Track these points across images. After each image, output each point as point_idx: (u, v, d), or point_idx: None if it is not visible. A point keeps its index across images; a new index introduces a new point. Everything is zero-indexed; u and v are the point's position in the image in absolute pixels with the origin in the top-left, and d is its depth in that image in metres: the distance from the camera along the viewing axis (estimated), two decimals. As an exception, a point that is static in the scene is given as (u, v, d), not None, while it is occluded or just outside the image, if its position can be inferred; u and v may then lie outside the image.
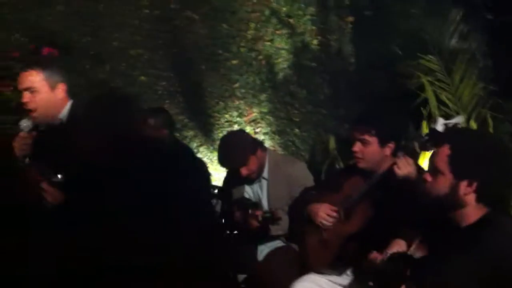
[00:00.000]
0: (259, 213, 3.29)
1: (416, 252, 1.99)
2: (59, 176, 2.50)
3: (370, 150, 2.89)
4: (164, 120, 3.96)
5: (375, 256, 1.97)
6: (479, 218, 1.94)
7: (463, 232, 1.92)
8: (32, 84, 2.77)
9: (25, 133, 2.83)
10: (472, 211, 1.95)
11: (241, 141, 3.45)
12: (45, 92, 2.77)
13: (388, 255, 1.94)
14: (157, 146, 2.72)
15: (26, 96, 2.77)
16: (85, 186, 2.36)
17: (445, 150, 1.98)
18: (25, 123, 2.83)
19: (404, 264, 1.84)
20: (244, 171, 3.40)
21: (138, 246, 2.21)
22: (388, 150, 2.89)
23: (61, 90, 2.81)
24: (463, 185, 1.93)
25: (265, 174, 3.50)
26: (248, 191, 3.58)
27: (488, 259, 1.22)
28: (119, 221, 2.20)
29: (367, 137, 2.88)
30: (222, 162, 3.52)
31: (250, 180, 3.51)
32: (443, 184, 1.97)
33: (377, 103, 4.78)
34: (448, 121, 2.58)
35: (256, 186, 3.55)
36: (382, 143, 2.88)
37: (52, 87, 2.79)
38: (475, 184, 1.91)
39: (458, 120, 2.57)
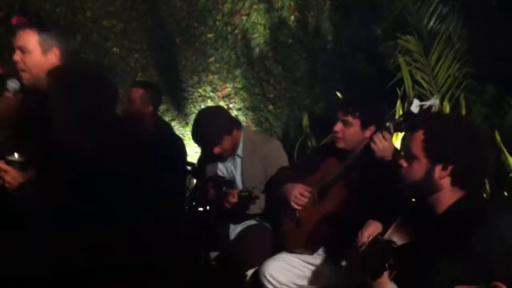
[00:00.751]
0: (235, 191, 3.26)
1: (393, 235, 1.99)
2: (16, 155, 2.26)
3: (351, 131, 2.89)
4: (153, 96, 3.86)
5: (370, 232, 1.96)
6: (453, 202, 1.95)
7: (438, 219, 1.93)
8: (25, 44, 2.63)
9: (10, 93, 2.70)
10: (448, 194, 1.96)
11: (217, 120, 3.38)
12: (36, 55, 2.64)
13: (370, 239, 1.92)
14: (137, 127, 2.60)
15: (17, 55, 2.63)
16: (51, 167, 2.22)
17: (420, 135, 2.01)
18: (11, 83, 2.70)
19: (386, 250, 1.83)
20: (217, 149, 3.36)
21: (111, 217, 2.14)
22: (368, 133, 2.88)
23: (54, 55, 2.67)
24: (438, 169, 1.95)
25: (240, 152, 3.46)
26: (222, 169, 3.54)
27: (463, 245, 1.20)
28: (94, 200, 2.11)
29: (350, 118, 2.88)
30: (195, 138, 3.47)
31: (223, 157, 3.47)
32: (418, 168, 1.99)
33: (354, 83, 4.77)
34: (423, 103, 2.56)
35: (230, 163, 3.51)
36: (364, 126, 2.88)
37: (45, 51, 2.65)
38: (449, 168, 1.92)
39: (433, 102, 2.55)
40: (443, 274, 1.21)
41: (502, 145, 3.81)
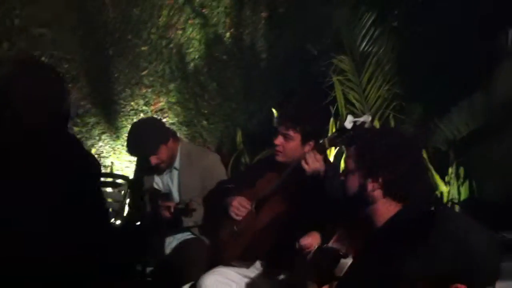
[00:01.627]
0: (171, 204, 3.20)
1: (336, 246, 2.01)
2: None
3: (291, 145, 2.89)
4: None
5: (305, 244, 1.96)
6: (393, 214, 1.99)
7: (380, 231, 1.96)
8: None
9: None
10: (383, 206, 1.99)
11: (153, 129, 3.33)
12: None
13: (316, 248, 1.93)
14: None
15: None
16: None
17: (352, 149, 2.07)
18: None
19: (334, 258, 1.85)
20: (153, 160, 3.28)
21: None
22: (308, 148, 2.90)
23: None
24: (369, 182, 1.98)
25: (177, 164, 3.41)
26: (158, 182, 3.47)
27: (409, 253, 1.22)
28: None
29: (291, 132, 2.88)
30: (131, 149, 3.39)
31: (160, 169, 3.41)
32: (353, 182, 2.04)
33: (288, 100, 4.82)
34: (356, 119, 2.63)
35: (166, 176, 3.45)
36: (304, 140, 2.89)
37: None
38: (380, 180, 1.96)
39: (365, 118, 2.62)
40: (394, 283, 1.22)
41: (428, 163, 3.98)
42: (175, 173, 3.43)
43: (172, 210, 3.19)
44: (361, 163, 2.02)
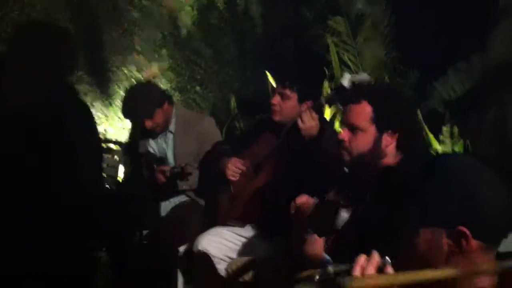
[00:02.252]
0: (167, 168, 3.18)
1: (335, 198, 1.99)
2: None
3: (288, 104, 2.89)
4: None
5: (303, 201, 1.95)
6: (397, 161, 2.01)
7: (381, 174, 1.97)
8: None
9: None
10: (390, 160, 2.03)
11: (148, 93, 3.34)
12: None
13: (317, 201, 1.91)
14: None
15: None
16: None
17: (364, 106, 2.04)
18: None
19: (334, 209, 1.83)
20: (149, 123, 3.26)
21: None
22: (304, 107, 2.88)
23: None
24: (385, 138, 1.99)
25: (172, 128, 3.38)
26: (153, 145, 3.44)
27: (413, 194, 1.19)
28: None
29: (288, 91, 2.88)
30: (126, 113, 3.39)
31: (155, 133, 3.37)
32: (365, 139, 2.03)
33: (284, 65, 4.78)
34: (355, 78, 2.58)
35: (161, 140, 3.41)
36: (301, 99, 2.88)
37: None
38: (396, 135, 1.99)
39: (365, 77, 2.58)
40: (400, 223, 1.19)
41: (423, 123, 3.95)
42: (170, 136, 3.39)
43: (167, 174, 3.16)
44: (378, 119, 2.02)
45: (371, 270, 1.18)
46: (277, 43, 5.12)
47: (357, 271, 1.19)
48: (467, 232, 1.13)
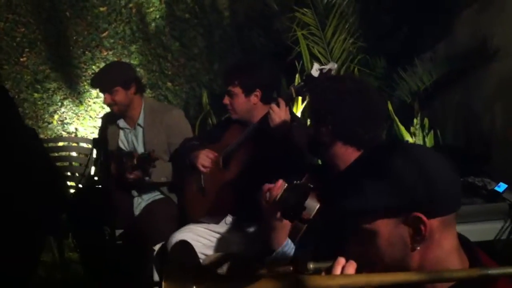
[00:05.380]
0: (135, 155, 3.17)
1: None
2: None
3: (236, 101, 2.92)
4: None
5: (271, 187, 1.95)
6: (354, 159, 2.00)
7: (346, 170, 1.97)
8: None
9: None
10: (339, 150, 2.05)
11: (118, 69, 3.38)
12: None
13: (286, 186, 1.93)
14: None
15: None
16: None
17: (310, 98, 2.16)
18: None
19: (304, 192, 1.85)
20: (107, 98, 3.29)
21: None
22: (254, 99, 2.90)
23: None
24: (322, 128, 2.05)
25: (141, 121, 3.38)
26: (123, 141, 3.43)
27: (374, 182, 1.22)
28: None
29: (231, 88, 2.91)
30: (92, 81, 3.53)
31: (124, 126, 3.40)
32: (311, 130, 2.12)
33: (251, 58, 4.77)
34: (322, 67, 2.60)
35: (130, 134, 3.41)
36: (247, 92, 2.90)
37: None
38: (330, 125, 2.03)
39: (331, 66, 2.59)
40: (360, 211, 1.22)
41: (394, 115, 3.99)
42: (140, 130, 3.39)
43: (135, 161, 3.13)
44: (313, 111, 2.13)
45: (350, 271, 1.22)
46: (244, 36, 5.10)
47: (337, 270, 1.23)
48: (422, 216, 1.17)
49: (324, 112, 2.03)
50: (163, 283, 1.07)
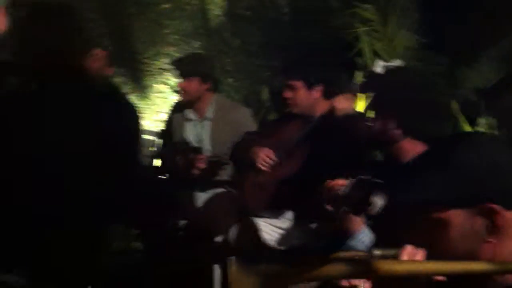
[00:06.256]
0: (204, 156, 3.22)
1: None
2: None
3: (298, 95, 2.93)
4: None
5: (336, 182, 1.96)
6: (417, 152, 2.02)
7: (410, 163, 1.98)
8: None
9: None
10: (407, 146, 2.07)
11: (201, 61, 3.48)
12: None
13: (352, 180, 1.93)
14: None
15: None
16: None
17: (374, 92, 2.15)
18: None
19: (369, 186, 1.85)
20: (181, 84, 3.37)
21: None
22: (316, 93, 2.91)
23: None
24: (389, 123, 2.07)
25: (209, 114, 3.43)
26: (190, 131, 3.48)
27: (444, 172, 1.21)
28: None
29: (293, 82, 2.91)
30: (175, 61, 3.56)
31: (188, 106, 3.45)
32: (377, 125, 2.12)
33: (311, 54, 4.76)
34: (387, 64, 2.58)
35: (198, 126, 3.46)
36: (309, 86, 2.90)
37: None
38: (396, 120, 2.05)
39: (398, 63, 2.58)
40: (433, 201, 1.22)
41: (458, 113, 3.92)
42: (207, 123, 3.44)
43: (204, 163, 3.19)
44: (380, 105, 2.11)
45: (419, 259, 1.22)
46: (304, 32, 5.10)
47: (404, 258, 1.23)
48: (497, 207, 1.15)
49: (391, 108, 2.04)
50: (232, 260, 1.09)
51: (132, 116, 2.50)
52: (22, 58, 2.03)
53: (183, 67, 3.40)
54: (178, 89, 3.43)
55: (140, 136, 3.45)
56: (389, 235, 1.82)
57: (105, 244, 2.23)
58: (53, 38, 1.98)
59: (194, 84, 3.35)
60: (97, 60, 3.39)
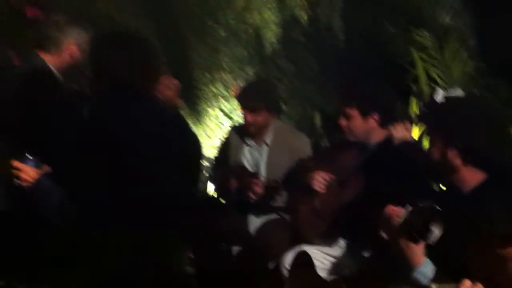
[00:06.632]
0: (261, 181, 3.23)
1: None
2: (28, 155, 2.21)
3: (353, 123, 2.93)
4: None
5: (394, 210, 1.94)
6: (479, 182, 2.02)
7: (469, 195, 1.97)
8: None
9: None
10: (467, 174, 2.06)
11: (268, 92, 3.43)
12: None
13: (411, 208, 1.91)
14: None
15: None
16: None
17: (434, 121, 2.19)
18: None
19: (430, 213, 1.83)
20: (250, 116, 3.31)
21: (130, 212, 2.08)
22: (372, 121, 2.90)
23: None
24: (450, 151, 2.07)
25: (268, 140, 3.43)
26: (247, 156, 3.49)
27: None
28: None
29: (348, 110, 2.91)
30: (241, 93, 3.45)
31: (249, 141, 3.45)
32: (436, 154, 2.12)
33: (369, 79, 4.74)
34: (446, 93, 2.54)
35: (256, 151, 3.47)
36: (364, 114, 2.90)
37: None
38: (458, 151, 2.05)
39: (458, 92, 2.54)
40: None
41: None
42: (265, 149, 3.44)
43: (260, 189, 3.20)
44: (439, 134, 2.11)
45: None
46: (359, 58, 5.09)
47: None
48: None
49: (452, 137, 2.04)
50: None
51: (196, 142, 2.61)
52: (98, 83, 2.17)
53: (250, 101, 3.34)
54: (246, 122, 3.37)
55: (202, 163, 3.55)
56: (447, 265, 1.79)
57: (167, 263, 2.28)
58: (126, 66, 2.11)
59: (262, 116, 3.33)
60: (170, 89, 3.49)
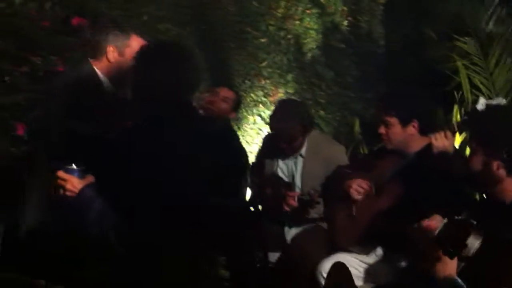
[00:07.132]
0: (296, 194, 3.24)
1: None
2: (73, 165, 2.21)
3: (393, 131, 2.90)
4: (237, 101, 3.78)
5: (430, 222, 1.92)
6: None
7: (508, 209, 1.93)
8: None
9: None
10: (509, 186, 2.04)
11: (301, 109, 3.43)
12: None
13: (446, 220, 1.88)
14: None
15: None
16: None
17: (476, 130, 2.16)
18: None
19: (465, 228, 1.80)
20: (286, 137, 3.31)
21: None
22: (412, 129, 2.87)
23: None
24: (492, 162, 2.03)
25: (303, 151, 3.42)
26: (282, 167, 3.50)
27: None
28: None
29: (388, 118, 2.89)
30: (275, 117, 3.44)
31: (284, 155, 3.44)
32: (477, 162, 2.09)
33: (408, 87, 4.69)
34: (489, 101, 2.50)
35: (291, 162, 3.47)
36: (404, 123, 2.87)
37: None
38: (502, 161, 2.02)
39: (500, 101, 2.49)
40: None
41: None
42: (300, 160, 3.43)
43: (295, 200, 3.20)
44: (482, 143, 2.07)
45: None
46: (399, 65, 5.05)
47: None
48: None
49: (496, 147, 2.01)
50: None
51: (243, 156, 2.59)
52: (145, 94, 2.21)
53: (279, 123, 3.35)
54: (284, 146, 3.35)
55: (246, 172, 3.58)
56: (482, 278, 1.76)
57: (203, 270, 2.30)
58: (173, 77, 2.14)
59: (296, 131, 3.32)
60: (226, 102, 3.55)
